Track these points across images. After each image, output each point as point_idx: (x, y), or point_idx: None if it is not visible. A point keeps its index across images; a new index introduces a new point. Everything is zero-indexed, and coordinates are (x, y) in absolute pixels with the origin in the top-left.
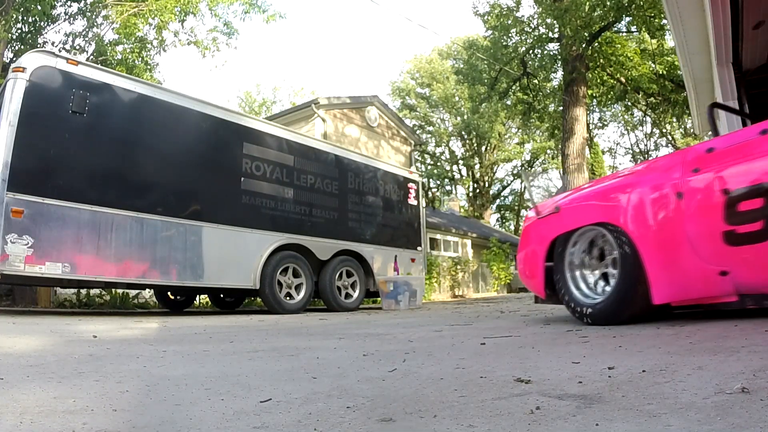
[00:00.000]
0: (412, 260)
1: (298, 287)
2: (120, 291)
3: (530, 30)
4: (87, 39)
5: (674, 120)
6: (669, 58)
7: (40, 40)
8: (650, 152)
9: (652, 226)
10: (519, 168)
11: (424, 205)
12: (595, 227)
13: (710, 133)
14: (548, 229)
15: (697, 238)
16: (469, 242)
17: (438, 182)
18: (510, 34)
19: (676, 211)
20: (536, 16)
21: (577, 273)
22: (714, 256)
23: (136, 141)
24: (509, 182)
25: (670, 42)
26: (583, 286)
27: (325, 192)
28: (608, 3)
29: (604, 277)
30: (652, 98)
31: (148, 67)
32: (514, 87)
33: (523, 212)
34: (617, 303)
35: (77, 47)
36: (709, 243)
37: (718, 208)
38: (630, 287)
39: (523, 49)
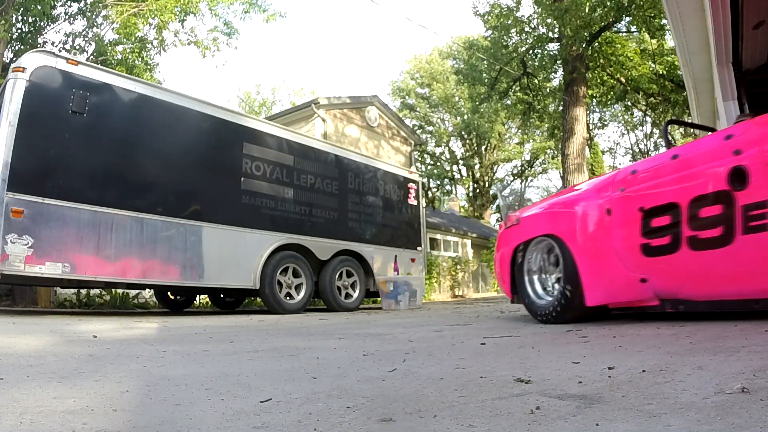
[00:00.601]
0: (412, 260)
1: (298, 287)
2: (120, 291)
3: (530, 30)
4: (87, 39)
5: None
6: (669, 58)
7: (40, 40)
8: (650, 152)
9: (586, 238)
10: (518, 168)
11: (424, 205)
12: (545, 238)
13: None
14: (512, 238)
15: (622, 249)
16: (469, 242)
17: (438, 182)
18: (510, 34)
19: (605, 226)
20: (536, 16)
21: (535, 277)
22: (635, 266)
23: (136, 141)
24: (509, 182)
25: (670, 42)
26: (538, 288)
27: (325, 192)
28: (608, 3)
29: (558, 281)
30: (652, 98)
31: (148, 67)
32: (514, 87)
33: None
34: (561, 305)
35: (77, 47)
36: (631, 254)
37: (636, 224)
38: (570, 291)
39: (523, 49)
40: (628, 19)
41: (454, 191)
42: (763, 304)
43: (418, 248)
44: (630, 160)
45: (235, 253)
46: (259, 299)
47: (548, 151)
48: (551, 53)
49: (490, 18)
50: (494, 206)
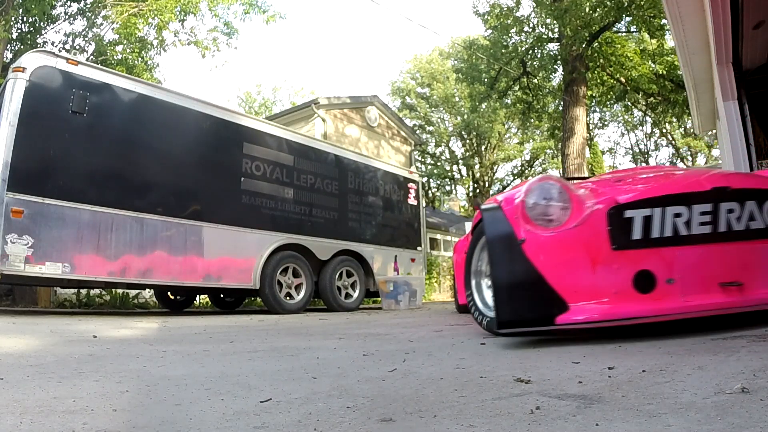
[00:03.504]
0: (412, 260)
1: (298, 287)
2: (120, 291)
3: (530, 30)
4: (87, 39)
5: (674, 120)
6: (669, 58)
7: (40, 40)
8: (650, 152)
9: (457, 265)
10: (518, 168)
11: (424, 205)
12: None
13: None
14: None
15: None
16: None
17: (438, 182)
18: (510, 34)
19: (462, 260)
20: (534, 16)
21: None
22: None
23: (136, 141)
24: (509, 182)
25: (670, 42)
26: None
27: (325, 192)
28: (608, 3)
29: None
30: (652, 98)
31: (148, 67)
32: (513, 86)
33: None
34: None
35: (77, 47)
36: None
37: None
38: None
39: (523, 49)
40: (628, 19)
41: (454, 191)
42: None
43: (418, 248)
44: (630, 161)
45: (235, 253)
46: (259, 299)
47: (548, 150)
48: (551, 53)
49: (489, 18)
50: None
